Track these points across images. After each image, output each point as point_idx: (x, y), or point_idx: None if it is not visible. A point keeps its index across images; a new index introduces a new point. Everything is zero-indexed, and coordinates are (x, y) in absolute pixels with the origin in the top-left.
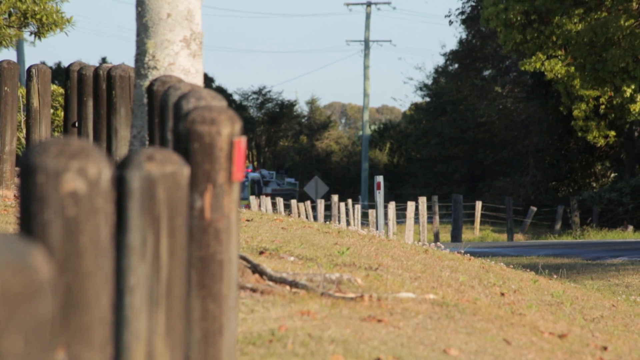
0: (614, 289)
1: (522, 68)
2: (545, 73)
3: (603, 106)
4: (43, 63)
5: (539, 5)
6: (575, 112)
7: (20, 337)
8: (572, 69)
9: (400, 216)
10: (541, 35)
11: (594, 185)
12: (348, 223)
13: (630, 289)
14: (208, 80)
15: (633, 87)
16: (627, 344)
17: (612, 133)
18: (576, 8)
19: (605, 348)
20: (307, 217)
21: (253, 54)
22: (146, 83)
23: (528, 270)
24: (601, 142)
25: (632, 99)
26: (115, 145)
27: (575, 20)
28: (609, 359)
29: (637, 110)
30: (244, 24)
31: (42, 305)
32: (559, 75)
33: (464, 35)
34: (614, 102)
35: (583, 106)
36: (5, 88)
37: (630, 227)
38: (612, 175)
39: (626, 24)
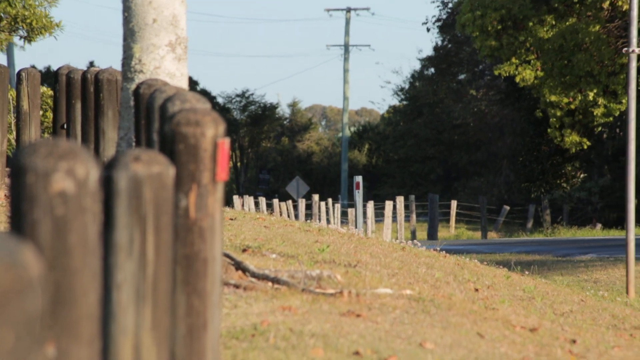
0: (582, 285)
1: (496, 73)
2: (517, 80)
3: (578, 112)
4: (33, 66)
5: (515, 12)
6: (552, 120)
7: (11, 332)
8: (541, 73)
9: (379, 215)
10: (515, 42)
11: (565, 185)
12: (328, 221)
13: (598, 284)
14: (193, 84)
15: (595, 90)
16: (595, 337)
17: (585, 140)
18: (549, 14)
19: (574, 341)
20: (288, 216)
21: (236, 58)
22: (133, 86)
23: (501, 266)
24: (573, 147)
25: (595, 103)
26: (102, 147)
27: (547, 27)
28: (577, 352)
29: (599, 113)
30: (227, 29)
31: (31, 301)
32: (530, 82)
33: (439, 41)
34: (582, 106)
35: (558, 112)
36: None
37: (599, 225)
38: (582, 175)
39: (594, 29)
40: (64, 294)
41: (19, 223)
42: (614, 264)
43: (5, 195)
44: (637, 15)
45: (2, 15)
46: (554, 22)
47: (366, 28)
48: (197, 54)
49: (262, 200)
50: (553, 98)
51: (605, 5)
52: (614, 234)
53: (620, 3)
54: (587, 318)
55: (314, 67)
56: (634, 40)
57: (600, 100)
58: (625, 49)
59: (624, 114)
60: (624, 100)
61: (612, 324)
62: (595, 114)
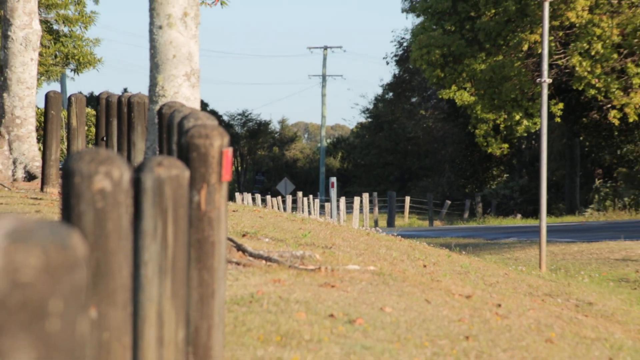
0: (506, 262)
1: (440, 96)
2: (456, 101)
3: (502, 126)
4: (80, 92)
5: (454, 50)
6: (478, 132)
7: (62, 299)
8: (475, 98)
9: (349, 208)
10: (455, 72)
11: (492, 184)
12: (309, 213)
13: (518, 261)
14: (203, 105)
15: (520, 114)
16: (515, 302)
17: (506, 146)
18: (480, 52)
19: (499, 305)
20: (278, 209)
21: (238, 85)
22: (157, 107)
23: (444, 248)
24: (498, 152)
25: (518, 123)
26: (133, 154)
27: (479, 61)
28: (502, 313)
29: (522, 129)
30: (232, 63)
31: (78, 275)
32: (467, 103)
33: (397, 72)
34: (508, 124)
35: (485, 127)
36: (52, 112)
37: (519, 215)
38: (505, 176)
39: (516, 65)
40: (103, 269)
41: (69, 214)
42: (530, 245)
43: (58, 192)
44: (547, 54)
45: (57, 53)
46: (484, 58)
47: (340, 62)
48: (207, 82)
49: (258, 197)
50: (484, 116)
51: (525, 47)
52: (531, 222)
53: (535, 45)
54: (509, 287)
55: (298, 92)
56: (546, 72)
57: (523, 121)
58: (539, 79)
59: (539, 130)
60: (538, 121)
61: (528, 292)
62: (518, 130)
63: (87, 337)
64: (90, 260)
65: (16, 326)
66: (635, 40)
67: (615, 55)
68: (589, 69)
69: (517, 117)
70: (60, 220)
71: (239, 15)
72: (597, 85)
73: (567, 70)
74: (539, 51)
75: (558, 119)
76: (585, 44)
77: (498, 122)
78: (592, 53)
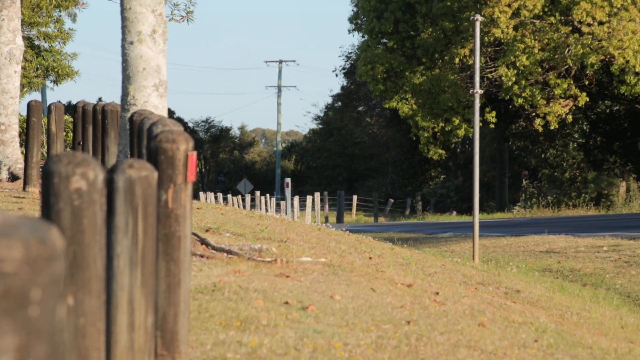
0: (443, 254)
1: (385, 106)
2: (399, 112)
3: (439, 134)
4: (59, 101)
5: (395, 66)
6: (422, 139)
7: (42, 289)
8: (416, 107)
9: (302, 205)
10: (396, 85)
11: (431, 184)
12: (266, 210)
13: (454, 253)
14: (170, 113)
15: (459, 119)
16: (451, 290)
17: (443, 152)
18: (419, 66)
19: (437, 293)
20: (238, 206)
21: (202, 95)
22: (128, 115)
23: (387, 241)
24: (436, 157)
25: (458, 127)
26: (107, 158)
27: (418, 75)
28: (439, 300)
29: (462, 133)
30: (196, 75)
31: (56, 266)
32: (408, 114)
33: (345, 83)
34: (448, 128)
35: (425, 134)
36: (33, 119)
37: (454, 212)
38: (442, 177)
39: (451, 77)
40: (80, 261)
41: (48, 211)
42: (465, 239)
43: (39, 191)
44: (479, 68)
45: (38, 66)
46: (423, 72)
47: (293, 74)
48: (174, 92)
49: (220, 196)
50: (423, 124)
51: (457, 61)
52: (465, 218)
53: (466, 59)
54: (446, 277)
55: (256, 102)
56: (477, 84)
57: (463, 125)
58: (472, 90)
59: (472, 135)
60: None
61: (463, 281)
62: (459, 133)
63: (65, 323)
64: (68, 253)
65: (0, 313)
66: (556, 55)
67: (538, 69)
68: (514, 80)
69: (457, 122)
70: (41, 217)
71: (203, 32)
72: (523, 95)
73: (496, 83)
74: (469, 63)
75: (492, 125)
76: (512, 58)
77: (436, 129)
78: (518, 65)
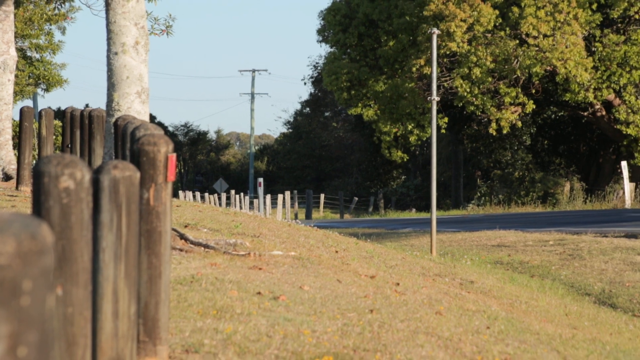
0: (403, 248)
1: (349, 112)
2: (363, 117)
3: (400, 139)
4: (49, 107)
5: (358, 75)
6: (383, 144)
7: (33, 280)
8: (379, 112)
9: (274, 203)
10: (360, 93)
11: (392, 183)
12: (240, 208)
13: (414, 247)
14: (152, 118)
15: (413, 124)
16: (411, 281)
17: (405, 155)
18: (381, 76)
19: (398, 284)
20: (215, 204)
21: (181, 101)
22: (113, 120)
23: (352, 236)
24: (398, 160)
25: (411, 132)
26: (93, 159)
27: (380, 83)
28: (400, 290)
29: (414, 138)
30: (176, 82)
31: (46, 259)
32: (370, 118)
33: (313, 91)
34: (405, 134)
35: (388, 138)
36: (26, 123)
37: (414, 210)
38: (403, 177)
39: (409, 86)
40: (68, 255)
41: (39, 208)
42: (423, 234)
43: (30, 190)
44: (436, 77)
45: (30, 75)
46: (385, 80)
47: (265, 82)
48: (155, 98)
49: (198, 194)
50: (385, 129)
51: (414, 70)
52: (424, 215)
53: (422, 69)
54: (406, 269)
55: (231, 107)
56: (434, 92)
57: (415, 131)
58: (429, 97)
59: (429, 139)
60: (429, 130)
61: (422, 273)
62: (410, 139)
63: (54, 312)
64: (57, 247)
65: None
66: (506, 66)
67: (490, 79)
68: (468, 90)
69: (410, 127)
70: (32, 214)
71: (182, 43)
72: (475, 102)
73: (451, 91)
74: (424, 72)
75: (444, 131)
76: (465, 69)
77: (398, 134)
78: (472, 76)
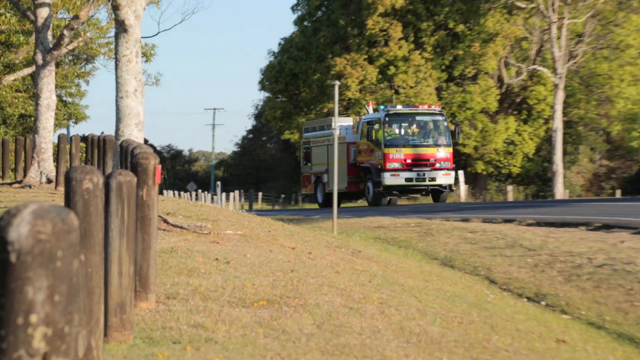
0: (314, 228)
1: (281, 138)
2: (290, 140)
3: None
4: (77, 134)
5: (288, 110)
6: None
7: (64, 250)
8: (299, 138)
9: (227, 198)
10: (288, 123)
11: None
12: (205, 201)
13: (321, 228)
14: (145, 141)
15: None
16: (320, 250)
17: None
18: (302, 111)
19: (310, 253)
20: (188, 199)
21: (166, 129)
22: (119, 142)
23: (280, 221)
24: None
25: None
26: (105, 169)
27: (302, 117)
28: (312, 257)
29: None
30: (161, 117)
31: (73, 236)
32: (295, 142)
33: (254, 123)
34: None
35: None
36: (61, 145)
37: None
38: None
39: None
40: (87, 233)
41: (68, 202)
42: (328, 219)
43: (64, 189)
44: (337, 115)
45: (64, 113)
46: (304, 115)
47: (223, 116)
48: (147, 126)
49: (176, 193)
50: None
51: (324, 110)
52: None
53: (328, 109)
54: (316, 243)
55: (200, 133)
56: (335, 124)
57: None
58: (332, 129)
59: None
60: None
61: (326, 245)
62: None
63: (79, 271)
64: (80, 228)
65: (37, 265)
66: None
67: None
68: None
69: None
70: (64, 205)
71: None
72: None
73: None
74: (330, 111)
75: None
76: (357, 110)
77: None
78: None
